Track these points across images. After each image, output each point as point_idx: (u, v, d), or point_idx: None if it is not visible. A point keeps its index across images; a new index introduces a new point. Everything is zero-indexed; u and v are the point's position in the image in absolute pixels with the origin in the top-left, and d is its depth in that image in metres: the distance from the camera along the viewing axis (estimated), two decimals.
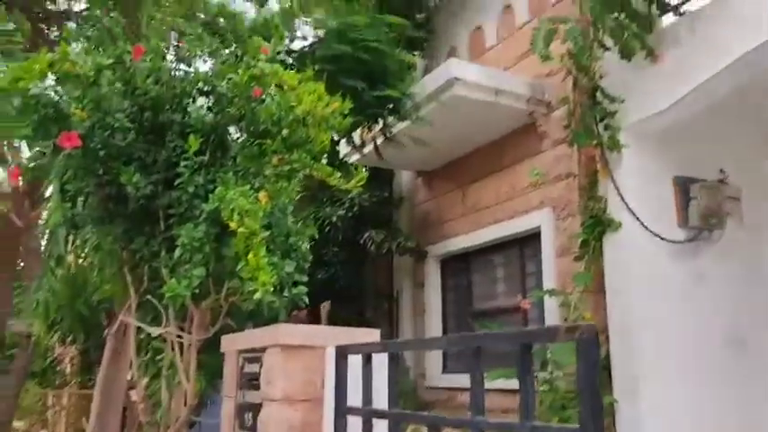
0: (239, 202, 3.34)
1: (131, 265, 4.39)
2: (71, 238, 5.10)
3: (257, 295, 3.13)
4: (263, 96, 3.87)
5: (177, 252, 3.64)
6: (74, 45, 3.50)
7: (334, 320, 8.17)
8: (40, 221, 7.28)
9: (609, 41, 6.68)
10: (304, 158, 3.73)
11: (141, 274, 4.36)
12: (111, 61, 3.58)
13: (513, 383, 5.76)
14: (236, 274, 3.81)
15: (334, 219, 10.22)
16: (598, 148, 7.11)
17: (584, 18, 7.08)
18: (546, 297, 7.29)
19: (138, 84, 3.92)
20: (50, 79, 3.45)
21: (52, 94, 3.55)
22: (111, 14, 3.68)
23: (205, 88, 4.01)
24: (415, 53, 9.68)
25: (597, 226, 6.95)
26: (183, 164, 3.81)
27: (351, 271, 10.74)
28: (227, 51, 4.21)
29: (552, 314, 7.61)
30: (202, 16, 4.04)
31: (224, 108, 3.95)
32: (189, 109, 4.03)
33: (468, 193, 9.60)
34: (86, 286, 5.53)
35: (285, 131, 3.70)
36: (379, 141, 7.50)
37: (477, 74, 7.99)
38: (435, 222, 10.31)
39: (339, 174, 3.94)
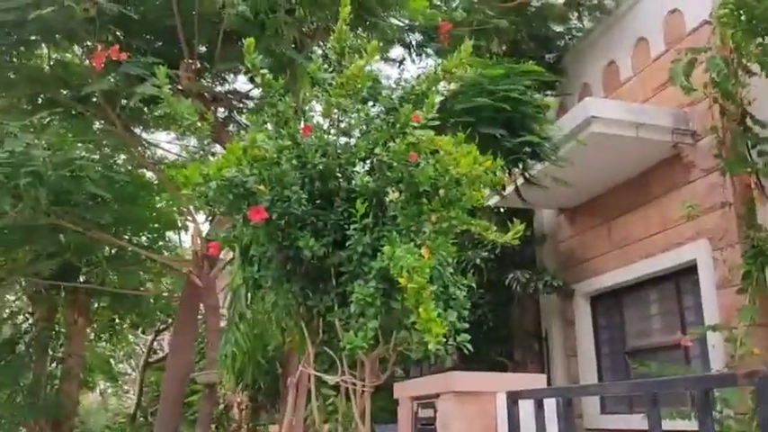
0: (408, 259, 3.67)
1: (307, 319, 4.86)
2: (251, 296, 5.70)
3: (431, 346, 3.42)
4: (419, 161, 4.23)
5: (352, 307, 4.03)
6: (251, 127, 4.06)
7: (479, 363, 8.32)
8: (218, 282, 8.11)
9: (755, 66, 6.49)
10: (461, 215, 4.03)
11: (316, 327, 4.81)
12: (289, 143, 4.11)
13: (681, 424, 5.56)
14: (405, 325, 4.16)
15: (478, 261, 10.40)
16: (753, 176, 6.84)
17: (725, 45, 6.93)
18: (708, 332, 7.02)
19: (308, 158, 4.43)
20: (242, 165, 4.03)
21: (241, 175, 4.13)
22: (283, 98, 4.19)
23: (366, 157, 4.44)
24: (548, 93, 9.80)
25: (759, 256, 6.64)
26: (352, 227, 4.23)
27: (497, 312, 10.82)
28: (379, 120, 4.64)
29: (717, 350, 7.29)
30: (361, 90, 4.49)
31: (384, 173, 4.36)
32: (353, 176, 4.48)
33: (615, 228, 9.46)
34: (266, 339, 6.12)
35: (442, 191, 4.02)
36: (519, 183, 7.68)
37: (616, 110, 8.00)
38: (581, 259, 10.21)
39: (494, 227, 4.19)
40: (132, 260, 9.56)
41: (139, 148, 9.53)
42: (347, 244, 4.34)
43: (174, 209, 10.83)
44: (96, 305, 11.24)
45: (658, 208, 8.60)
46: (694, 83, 7.08)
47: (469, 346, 4.06)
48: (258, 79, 4.45)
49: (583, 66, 10.28)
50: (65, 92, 7.54)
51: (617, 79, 9.67)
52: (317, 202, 4.64)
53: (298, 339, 5.09)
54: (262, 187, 4.30)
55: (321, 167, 4.46)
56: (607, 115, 7.86)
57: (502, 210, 10.91)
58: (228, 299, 7.29)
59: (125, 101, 7.20)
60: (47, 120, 7.19)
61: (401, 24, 8.93)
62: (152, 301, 11.99)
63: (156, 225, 10.40)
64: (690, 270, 8.16)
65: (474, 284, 4.43)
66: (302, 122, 4.54)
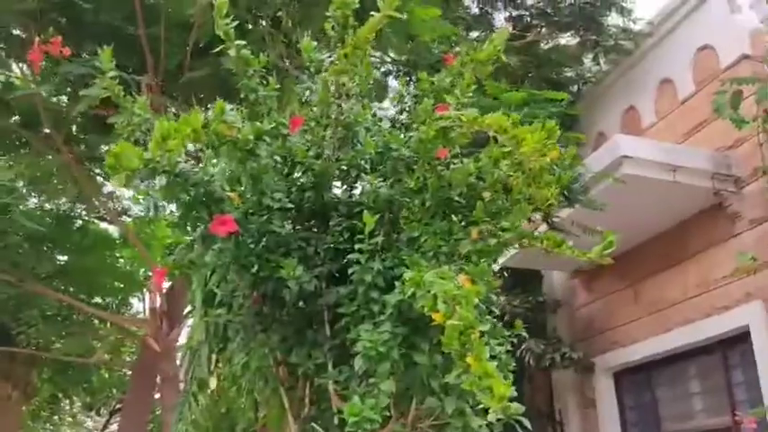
0: (444, 286, 2.44)
1: (289, 384, 3.54)
2: (215, 357, 4.36)
3: (491, 415, 2.14)
4: (448, 159, 3.07)
5: (356, 363, 2.75)
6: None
7: None
8: (179, 345, 6.73)
9: None
10: (517, 228, 2.82)
11: (302, 395, 3.48)
12: (271, 126, 2.93)
13: None
14: (432, 388, 2.87)
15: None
16: None
17: None
18: None
19: (298, 157, 3.24)
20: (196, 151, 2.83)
21: (201, 173, 2.92)
22: (265, 80, 3.04)
23: (376, 157, 3.27)
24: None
25: None
26: (357, 247, 3.00)
27: None
28: (395, 111, 3.52)
29: None
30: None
31: (400, 178, 3.18)
32: (357, 183, 3.29)
33: (643, 291, 8.26)
34: (234, 417, 4.77)
35: (487, 194, 2.83)
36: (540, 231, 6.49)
37: (650, 149, 6.96)
38: (602, 328, 8.95)
39: (569, 243, 2.98)
40: (77, 321, 8.11)
41: (101, 198, 8.28)
42: (350, 273, 3.10)
43: (138, 270, 9.48)
44: (36, 377, 9.60)
45: (697, 265, 7.45)
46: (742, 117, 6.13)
47: (527, 423, 2.77)
48: (232, 53, 3.31)
49: (598, 112, 9.37)
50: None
51: (638, 125, 8.74)
52: (309, 221, 3.44)
53: (274, 414, 3.73)
54: (232, 194, 3.08)
55: (315, 171, 3.27)
56: (640, 155, 6.81)
57: (506, 273, 9.70)
58: (185, 363, 5.88)
59: (74, 127, 6.02)
60: None
61: (398, 59, 7.96)
62: (104, 374, 10.39)
63: (115, 284, 9.03)
64: (740, 338, 6.95)
65: (512, 335, 3.21)
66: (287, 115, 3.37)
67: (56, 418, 11.23)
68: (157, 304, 6.54)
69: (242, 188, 3.14)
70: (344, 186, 3.36)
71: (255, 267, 3.27)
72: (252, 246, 3.23)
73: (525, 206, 2.85)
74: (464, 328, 2.33)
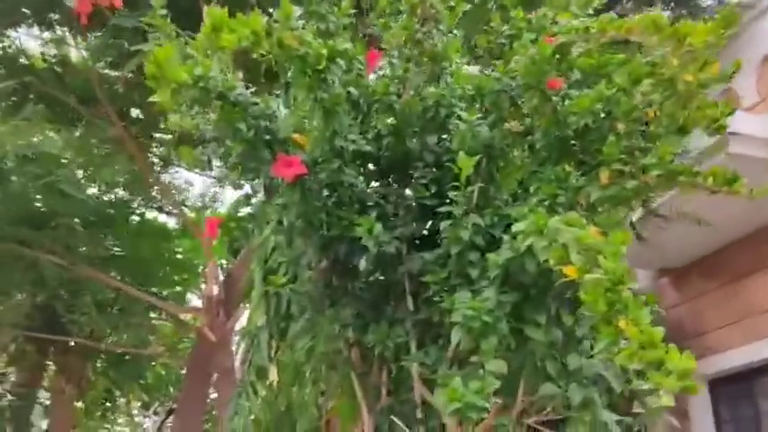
0: (578, 232, 1.84)
1: (362, 370, 2.98)
2: (275, 343, 3.85)
3: (663, 398, 1.53)
4: (565, 90, 2.47)
5: (455, 336, 2.16)
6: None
7: None
8: (236, 336, 6.28)
9: None
10: (668, 163, 2.18)
11: (377, 382, 2.92)
12: (347, 46, 2.38)
13: None
14: (548, 373, 2.26)
15: None
16: None
17: None
18: None
19: (377, 94, 2.70)
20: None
21: (263, 105, 2.40)
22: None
23: (473, 94, 2.69)
24: None
25: None
26: (452, 194, 2.42)
27: None
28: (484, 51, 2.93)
29: None
30: None
31: (502, 116, 2.58)
32: (450, 126, 2.71)
33: (742, 291, 7.37)
34: (293, 409, 4.25)
35: (620, 126, 2.21)
36: (636, 217, 5.75)
37: (763, 126, 6.14)
38: (693, 332, 8.08)
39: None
40: (132, 311, 7.77)
41: (158, 184, 7.94)
42: (437, 234, 2.54)
43: (195, 262, 9.13)
44: (90, 370, 9.28)
45: None
46: None
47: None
48: None
49: None
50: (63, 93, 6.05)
51: (736, 107, 7.87)
52: (385, 173, 2.89)
53: (345, 406, 3.17)
54: (298, 135, 2.55)
55: (396, 111, 2.72)
56: (752, 132, 5.99)
57: None
58: (242, 351, 5.37)
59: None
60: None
61: None
62: (160, 370, 10.07)
63: (172, 276, 8.70)
64: None
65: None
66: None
67: (111, 415, 10.90)
68: (214, 292, 6.13)
69: (310, 128, 2.61)
70: (430, 132, 2.77)
71: (325, 226, 2.73)
72: (321, 200, 2.70)
73: (674, 137, 2.22)
74: (611, 285, 1.72)
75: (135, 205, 8.42)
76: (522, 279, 2.22)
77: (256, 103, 2.35)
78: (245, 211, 2.75)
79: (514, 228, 2.15)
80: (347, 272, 2.93)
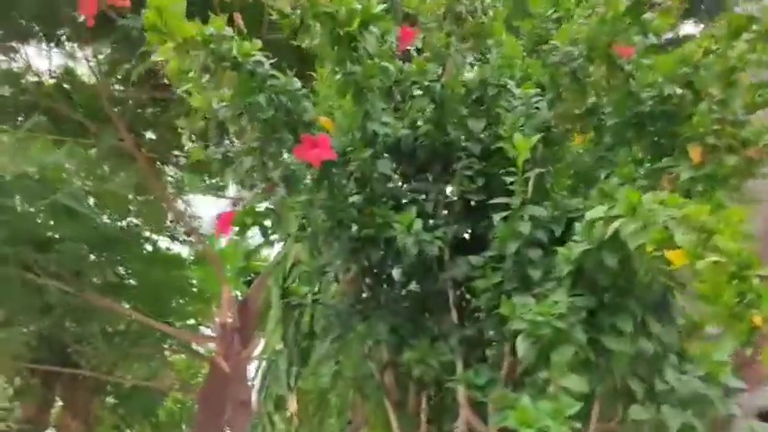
0: (686, 210, 1.46)
1: (398, 395, 2.58)
2: (296, 369, 3.45)
3: None
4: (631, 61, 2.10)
5: (521, 346, 1.76)
6: None
7: None
8: (252, 364, 5.88)
9: None
10: None
11: (415, 409, 2.51)
12: (384, 7, 2.04)
13: None
14: (626, 390, 1.85)
15: None
16: None
17: None
18: None
19: (413, 76, 2.35)
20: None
21: (285, 81, 2.05)
22: None
23: (529, 70, 2.34)
24: None
25: None
26: (508, 181, 2.05)
27: None
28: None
29: None
30: None
31: (560, 93, 2.22)
32: (498, 109, 2.34)
33: None
34: None
35: (714, 91, 1.84)
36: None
37: None
38: None
39: None
40: (142, 340, 7.36)
41: (173, 207, 7.63)
42: (483, 234, 2.18)
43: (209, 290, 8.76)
44: (98, 406, 8.79)
45: None
46: None
47: None
48: None
49: None
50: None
51: None
52: (422, 166, 2.54)
53: None
54: (325, 119, 2.21)
55: (435, 95, 2.37)
56: None
57: None
58: (260, 377, 4.93)
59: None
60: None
61: None
62: (173, 406, 9.59)
63: (185, 307, 8.32)
64: None
65: None
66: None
67: None
68: (228, 319, 5.76)
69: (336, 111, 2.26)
70: (475, 117, 2.41)
71: (355, 226, 2.36)
72: (350, 195, 2.34)
73: None
74: (738, 270, 1.33)
75: (147, 233, 8.11)
76: (598, 279, 1.83)
77: (275, 77, 2.00)
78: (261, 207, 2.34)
79: (590, 215, 1.77)
80: (380, 281, 2.55)
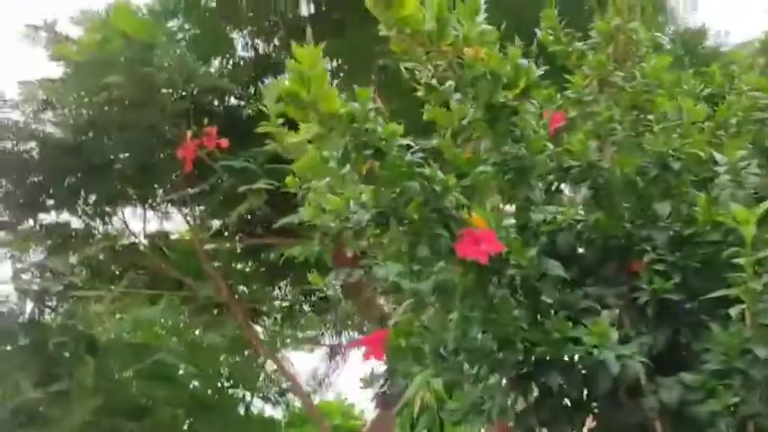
0: None
1: None
2: None
3: None
4: None
5: None
6: None
7: None
8: None
9: None
10: None
11: None
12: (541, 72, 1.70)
13: None
14: None
15: None
16: None
17: None
18: None
19: (573, 157, 1.97)
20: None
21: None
22: None
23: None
24: None
25: None
26: (738, 260, 1.55)
27: None
28: None
29: None
30: None
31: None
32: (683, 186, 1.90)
33: None
34: None
35: None
36: None
37: None
38: None
39: None
40: None
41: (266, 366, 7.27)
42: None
43: None
44: None
45: None
46: None
47: None
48: None
49: None
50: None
51: None
52: (591, 271, 2.09)
53: None
54: (473, 215, 1.83)
55: (605, 177, 1.97)
56: None
57: None
58: None
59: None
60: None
61: None
62: None
63: None
64: None
65: None
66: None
67: None
68: None
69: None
70: (655, 199, 1.97)
71: (522, 344, 1.87)
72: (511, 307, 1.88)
73: None
74: None
75: (240, 394, 7.69)
76: None
77: (422, 164, 1.66)
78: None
79: None
80: (556, 418, 2.01)
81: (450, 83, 1.60)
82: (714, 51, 6.00)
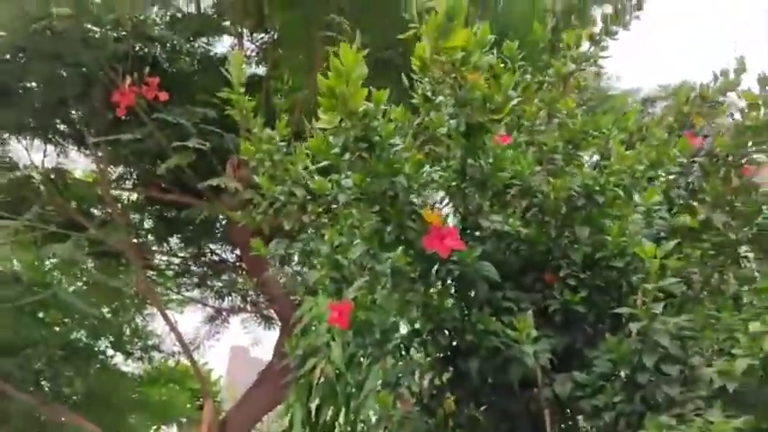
0: None
1: None
2: None
3: None
4: None
5: None
6: None
7: None
8: None
9: None
10: None
11: None
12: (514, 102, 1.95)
13: None
14: None
15: None
16: None
17: None
18: None
19: (518, 176, 2.26)
20: None
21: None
22: None
23: None
24: None
25: None
26: (641, 287, 1.91)
27: None
28: None
29: None
30: None
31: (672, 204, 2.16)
32: (606, 217, 2.24)
33: None
34: None
35: None
36: None
37: None
38: None
39: None
40: None
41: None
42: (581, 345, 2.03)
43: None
44: None
45: None
46: None
47: None
48: None
49: None
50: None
51: None
52: (515, 276, 2.41)
53: None
54: (430, 212, 2.07)
55: (542, 198, 2.29)
56: None
57: None
58: None
59: None
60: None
61: None
62: None
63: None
64: None
65: None
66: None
67: None
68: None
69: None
70: (579, 223, 2.31)
71: (454, 333, 2.15)
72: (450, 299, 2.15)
73: None
74: None
75: (103, 346, 7.49)
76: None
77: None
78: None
79: (753, 328, 1.64)
80: (466, 399, 2.30)
81: (441, 98, 1.83)
82: (603, 95, 6.48)
